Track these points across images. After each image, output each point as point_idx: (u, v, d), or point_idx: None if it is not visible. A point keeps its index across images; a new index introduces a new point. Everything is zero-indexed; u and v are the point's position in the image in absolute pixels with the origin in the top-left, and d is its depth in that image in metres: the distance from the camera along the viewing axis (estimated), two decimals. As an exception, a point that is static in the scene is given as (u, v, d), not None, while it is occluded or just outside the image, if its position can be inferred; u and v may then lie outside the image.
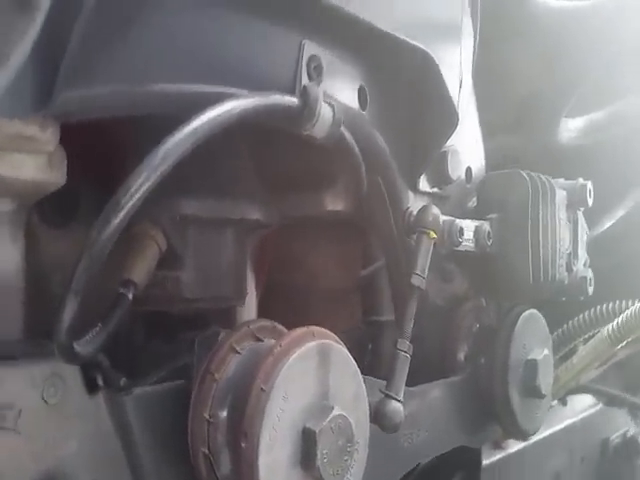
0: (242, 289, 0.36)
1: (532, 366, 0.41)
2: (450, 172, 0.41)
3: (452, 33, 0.37)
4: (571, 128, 0.67)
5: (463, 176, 0.45)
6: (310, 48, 0.29)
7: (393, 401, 0.31)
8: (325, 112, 0.28)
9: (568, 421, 0.77)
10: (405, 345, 0.34)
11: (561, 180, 0.53)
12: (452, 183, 0.42)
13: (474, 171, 0.46)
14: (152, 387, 0.29)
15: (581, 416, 0.82)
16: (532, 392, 0.42)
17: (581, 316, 0.58)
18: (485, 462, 0.59)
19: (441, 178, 0.41)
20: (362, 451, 0.30)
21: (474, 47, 0.48)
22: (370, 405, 0.30)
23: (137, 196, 0.23)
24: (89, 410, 0.27)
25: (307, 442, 0.28)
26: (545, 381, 0.42)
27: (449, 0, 0.38)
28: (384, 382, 0.34)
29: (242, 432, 0.27)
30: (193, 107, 0.26)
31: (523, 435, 0.46)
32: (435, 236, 0.34)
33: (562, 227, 0.45)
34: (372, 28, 0.31)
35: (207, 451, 0.29)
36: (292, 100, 0.28)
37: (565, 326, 0.57)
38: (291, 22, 0.28)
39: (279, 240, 0.42)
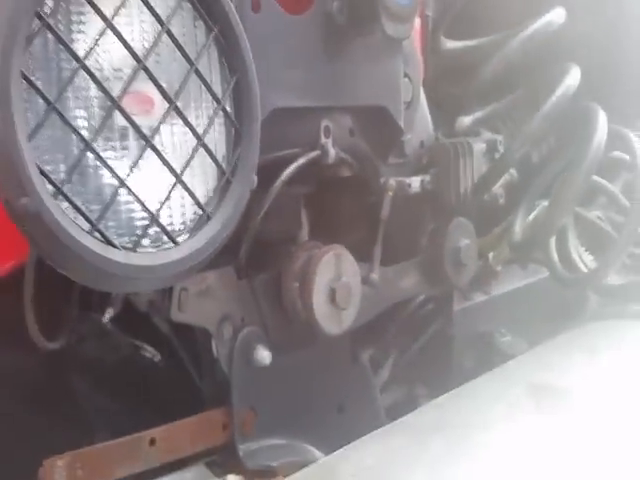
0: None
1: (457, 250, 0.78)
2: (406, 150, 0.76)
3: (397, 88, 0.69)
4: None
5: (417, 148, 0.79)
6: (325, 121, 0.64)
7: (371, 274, 0.70)
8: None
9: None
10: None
11: (486, 135, 0.85)
12: (408, 156, 0.76)
13: (425, 141, 0.80)
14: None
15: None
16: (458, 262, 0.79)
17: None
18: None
19: (401, 154, 0.76)
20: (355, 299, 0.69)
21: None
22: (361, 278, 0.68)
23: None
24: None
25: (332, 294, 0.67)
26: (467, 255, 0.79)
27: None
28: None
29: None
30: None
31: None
32: (391, 193, 0.70)
33: (477, 169, 0.79)
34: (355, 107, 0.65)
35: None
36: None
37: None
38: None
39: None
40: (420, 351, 0.96)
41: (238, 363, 0.69)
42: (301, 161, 0.61)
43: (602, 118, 0.78)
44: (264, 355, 0.70)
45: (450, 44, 0.73)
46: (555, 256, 0.95)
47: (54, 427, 0.74)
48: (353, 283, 0.67)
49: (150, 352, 0.76)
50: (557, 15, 0.71)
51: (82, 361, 0.79)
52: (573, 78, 0.75)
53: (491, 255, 0.92)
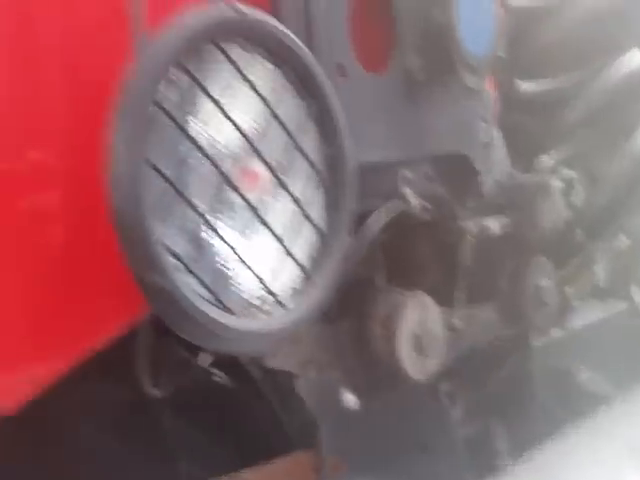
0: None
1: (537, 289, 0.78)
2: (484, 191, 0.76)
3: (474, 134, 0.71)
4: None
5: (495, 188, 0.79)
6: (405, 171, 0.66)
7: (454, 320, 0.71)
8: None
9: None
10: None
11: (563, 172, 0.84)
12: (485, 196, 0.77)
13: (502, 181, 0.80)
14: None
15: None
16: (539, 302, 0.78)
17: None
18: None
19: (479, 195, 0.76)
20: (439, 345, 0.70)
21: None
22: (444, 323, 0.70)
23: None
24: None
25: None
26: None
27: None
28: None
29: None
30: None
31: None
32: (471, 237, 0.71)
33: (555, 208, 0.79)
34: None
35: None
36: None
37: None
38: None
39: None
40: (497, 387, 0.95)
41: (325, 407, 0.71)
42: (384, 211, 0.63)
43: None
44: (351, 399, 0.71)
45: (525, 86, 0.74)
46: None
47: (141, 460, 0.78)
48: (437, 330, 0.68)
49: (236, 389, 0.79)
50: (635, 56, 0.70)
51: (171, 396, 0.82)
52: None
53: (570, 290, 0.91)
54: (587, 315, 1.02)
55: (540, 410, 0.94)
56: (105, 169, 0.42)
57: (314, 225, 0.49)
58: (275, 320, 0.47)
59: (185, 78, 0.43)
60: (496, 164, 0.77)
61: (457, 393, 0.89)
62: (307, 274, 0.49)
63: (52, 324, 0.49)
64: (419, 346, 0.67)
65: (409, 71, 0.62)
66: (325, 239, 0.50)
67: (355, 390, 0.72)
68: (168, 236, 0.43)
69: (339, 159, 0.50)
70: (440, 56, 0.61)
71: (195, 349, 0.68)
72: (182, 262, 0.43)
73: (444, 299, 0.71)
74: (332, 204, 0.50)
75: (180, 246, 0.44)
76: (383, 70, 0.61)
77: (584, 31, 0.67)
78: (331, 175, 0.50)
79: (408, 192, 0.66)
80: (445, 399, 0.83)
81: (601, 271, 0.94)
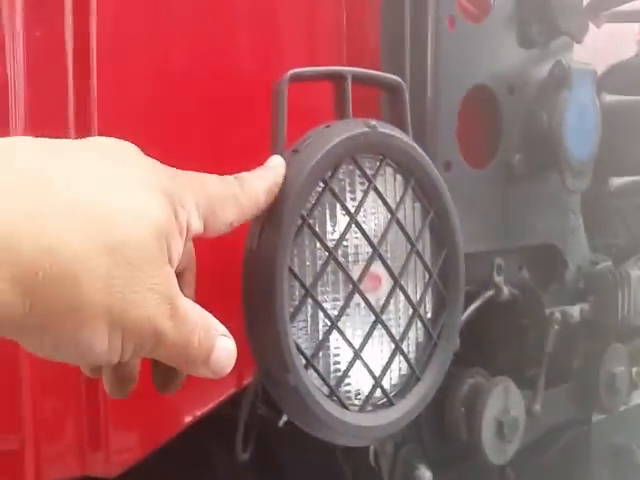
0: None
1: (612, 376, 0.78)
2: (566, 277, 0.78)
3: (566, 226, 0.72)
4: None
5: (575, 273, 0.80)
6: (498, 260, 0.68)
7: (535, 406, 0.72)
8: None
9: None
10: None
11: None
12: (567, 282, 0.78)
13: (581, 266, 0.81)
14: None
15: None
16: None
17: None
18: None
19: (561, 281, 0.78)
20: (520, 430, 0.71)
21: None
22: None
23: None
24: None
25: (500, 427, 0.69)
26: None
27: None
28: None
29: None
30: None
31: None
32: (557, 326, 0.72)
33: (634, 296, 0.79)
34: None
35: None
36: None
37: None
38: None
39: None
40: (553, 461, 0.94)
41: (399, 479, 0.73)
42: (479, 301, 0.65)
43: None
44: (426, 475, 0.72)
45: (616, 180, 0.75)
46: None
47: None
48: (519, 415, 0.69)
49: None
50: None
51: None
52: None
53: (635, 370, 0.91)
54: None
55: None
56: (243, 269, 0.45)
57: (425, 326, 0.51)
58: (384, 416, 0.49)
59: (322, 189, 0.45)
60: (578, 249, 0.78)
61: (520, 469, 0.89)
62: (415, 372, 0.51)
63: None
64: (501, 432, 0.68)
65: (510, 165, 0.64)
66: (434, 339, 0.52)
67: (430, 465, 0.73)
68: (297, 335, 0.46)
69: (452, 261, 0.52)
70: (545, 158, 0.63)
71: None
72: (312, 364, 0.45)
73: (525, 383, 0.72)
74: (441, 305, 0.52)
75: (306, 344, 0.46)
76: (485, 165, 0.64)
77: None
78: (442, 276, 0.52)
79: (500, 280, 0.68)
80: (512, 475, 0.83)
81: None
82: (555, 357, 0.76)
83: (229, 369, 0.36)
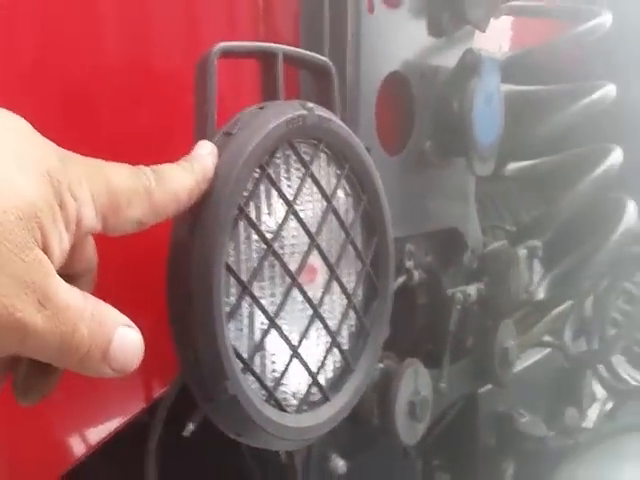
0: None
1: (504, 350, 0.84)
2: (464, 260, 0.81)
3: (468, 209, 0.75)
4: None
5: (470, 255, 0.85)
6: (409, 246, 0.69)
7: (441, 384, 0.75)
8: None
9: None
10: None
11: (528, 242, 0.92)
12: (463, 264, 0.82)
13: (474, 248, 0.86)
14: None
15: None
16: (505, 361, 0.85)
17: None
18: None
19: (459, 263, 0.81)
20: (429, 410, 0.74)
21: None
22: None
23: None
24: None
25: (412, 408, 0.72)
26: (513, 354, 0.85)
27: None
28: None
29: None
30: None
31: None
32: (459, 306, 0.76)
33: (522, 274, 0.86)
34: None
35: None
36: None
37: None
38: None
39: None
40: (446, 430, 1.00)
41: (314, 473, 0.71)
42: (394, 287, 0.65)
43: (632, 213, 0.85)
44: (339, 465, 0.72)
45: (510, 166, 0.80)
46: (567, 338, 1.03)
47: None
48: (428, 395, 0.71)
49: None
50: (610, 91, 0.76)
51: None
52: (614, 161, 0.80)
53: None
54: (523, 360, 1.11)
55: (482, 453, 1.01)
56: (169, 267, 0.40)
57: (359, 317, 0.50)
58: (322, 413, 0.47)
59: (259, 176, 0.42)
60: (473, 234, 0.82)
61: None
62: (350, 365, 0.49)
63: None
64: (413, 413, 0.69)
65: (423, 154, 0.65)
66: (367, 329, 0.50)
67: (342, 454, 0.72)
68: (234, 338, 0.42)
69: (382, 249, 0.51)
70: (453, 144, 0.64)
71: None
72: (249, 367, 0.41)
73: (432, 363, 0.74)
74: (374, 294, 0.51)
75: (242, 347, 0.43)
76: (400, 152, 0.64)
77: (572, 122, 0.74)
78: (374, 266, 0.51)
79: (411, 265, 0.69)
80: (415, 456, 0.86)
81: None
82: (455, 335, 0.79)
83: (135, 364, 0.32)
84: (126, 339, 0.31)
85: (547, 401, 1.14)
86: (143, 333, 0.41)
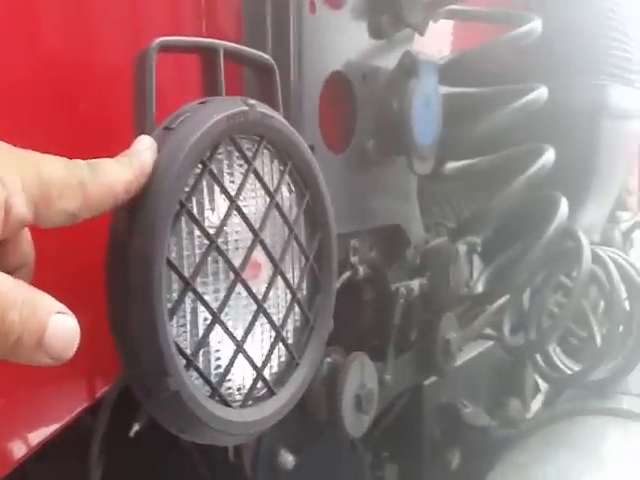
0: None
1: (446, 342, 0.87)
2: (407, 255, 0.84)
3: (410, 206, 0.78)
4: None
5: (412, 251, 0.87)
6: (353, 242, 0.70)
7: (385, 376, 0.76)
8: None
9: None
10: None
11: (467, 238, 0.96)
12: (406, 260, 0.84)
13: (416, 244, 0.89)
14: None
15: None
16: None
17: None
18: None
19: (402, 259, 0.83)
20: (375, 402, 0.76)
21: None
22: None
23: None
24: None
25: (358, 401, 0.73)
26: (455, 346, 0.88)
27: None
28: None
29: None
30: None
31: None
32: (402, 300, 0.78)
33: (461, 269, 0.89)
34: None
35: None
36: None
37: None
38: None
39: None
40: (391, 423, 1.02)
41: (262, 469, 0.72)
42: (339, 283, 0.66)
43: (564, 210, 0.89)
44: (288, 459, 0.73)
45: (449, 165, 0.82)
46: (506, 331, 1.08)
47: None
48: (374, 387, 0.72)
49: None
50: (541, 93, 0.80)
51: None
52: (547, 160, 0.85)
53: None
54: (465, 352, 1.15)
55: (428, 443, 1.04)
56: (108, 262, 0.40)
57: (303, 310, 0.51)
58: (267, 407, 0.48)
59: (201, 171, 0.42)
60: (415, 230, 0.85)
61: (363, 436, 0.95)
62: (295, 359, 0.50)
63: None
64: (359, 405, 0.71)
65: (365, 152, 0.66)
66: (311, 323, 0.51)
67: (292, 449, 0.73)
68: (177, 334, 0.42)
69: (325, 244, 0.52)
70: (394, 143, 0.66)
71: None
72: (192, 363, 0.41)
73: (377, 356, 0.76)
74: (318, 289, 0.52)
75: (184, 342, 0.42)
76: (343, 150, 0.65)
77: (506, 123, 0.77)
78: (318, 261, 0.52)
79: (356, 261, 0.70)
80: (361, 447, 0.88)
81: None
82: (399, 329, 0.82)
83: (71, 351, 0.32)
84: (61, 325, 0.31)
85: (490, 392, 1.18)
86: (83, 329, 0.40)
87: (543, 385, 1.35)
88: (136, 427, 0.64)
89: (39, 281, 0.40)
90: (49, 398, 0.49)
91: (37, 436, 0.47)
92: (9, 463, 0.46)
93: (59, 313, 0.31)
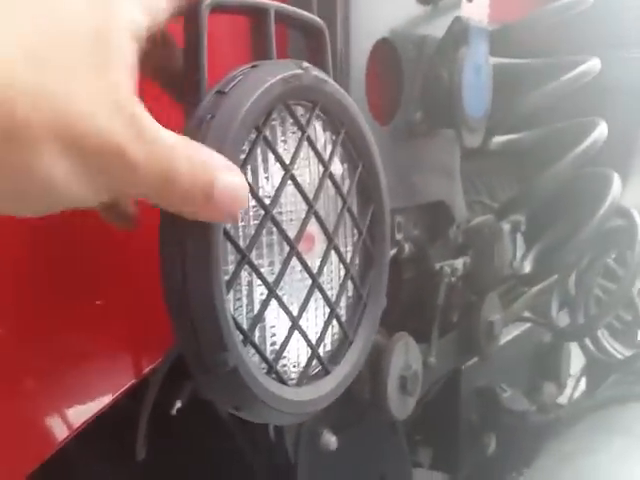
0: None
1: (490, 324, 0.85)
2: (450, 234, 0.81)
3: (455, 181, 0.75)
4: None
5: (454, 229, 0.84)
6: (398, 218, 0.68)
7: (430, 358, 0.74)
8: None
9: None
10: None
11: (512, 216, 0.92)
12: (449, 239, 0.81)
13: (459, 223, 0.86)
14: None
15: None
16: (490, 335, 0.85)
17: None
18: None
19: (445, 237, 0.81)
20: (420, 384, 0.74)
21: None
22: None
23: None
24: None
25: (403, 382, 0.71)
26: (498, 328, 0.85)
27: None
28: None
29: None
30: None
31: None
32: (447, 280, 0.75)
33: (505, 248, 0.86)
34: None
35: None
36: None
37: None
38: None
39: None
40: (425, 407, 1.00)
41: (304, 450, 0.70)
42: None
43: (617, 188, 0.85)
44: (331, 440, 0.71)
45: (495, 140, 0.79)
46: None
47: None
48: (418, 369, 0.70)
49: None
50: (594, 65, 0.75)
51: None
52: (600, 135, 0.80)
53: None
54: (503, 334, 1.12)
55: (464, 427, 1.02)
56: (163, 233, 0.38)
57: (356, 287, 0.49)
58: (322, 386, 0.46)
59: (255, 138, 0.40)
60: (459, 207, 0.82)
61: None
62: (348, 337, 0.48)
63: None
64: (404, 387, 0.69)
65: (412, 124, 0.64)
66: (364, 300, 0.49)
67: (334, 429, 0.72)
68: (233, 308, 0.40)
69: (378, 217, 0.50)
70: (442, 115, 0.63)
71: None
72: (249, 338, 0.40)
73: (419, 337, 0.74)
74: (368, 263, 0.50)
75: (240, 317, 0.41)
76: (389, 122, 0.62)
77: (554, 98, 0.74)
78: (370, 236, 0.49)
79: (401, 238, 0.68)
80: (402, 430, 0.86)
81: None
82: (443, 309, 0.79)
83: (242, 206, 0.32)
84: (230, 180, 0.31)
85: (527, 376, 1.15)
86: (129, 304, 0.39)
87: (575, 369, 1.32)
88: (178, 404, 0.63)
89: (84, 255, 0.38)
90: (95, 375, 0.48)
91: (82, 415, 0.46)
92: (53, 443, 0.45)
93: (226, 168, 0.31)
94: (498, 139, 0.78)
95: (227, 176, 0.30)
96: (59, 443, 0.44)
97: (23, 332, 0.40)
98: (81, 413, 0.46)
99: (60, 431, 0.45)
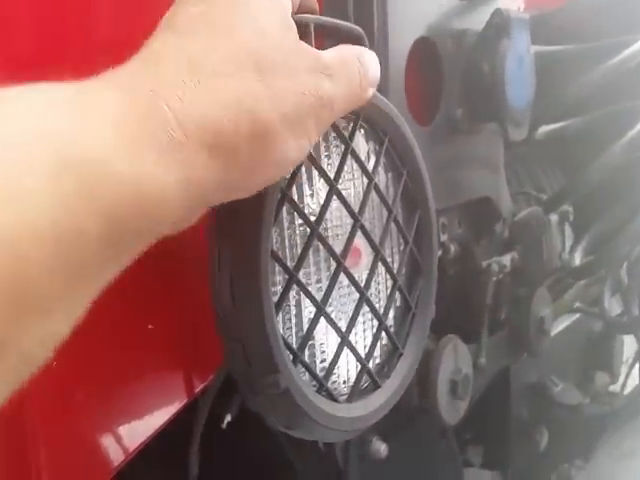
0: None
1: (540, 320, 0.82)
2: (496, 229, 0.78)
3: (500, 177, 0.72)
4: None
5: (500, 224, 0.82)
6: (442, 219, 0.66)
7: (480, 360, 0.73)
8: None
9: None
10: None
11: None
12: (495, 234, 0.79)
13: (505, 217, 0.83)
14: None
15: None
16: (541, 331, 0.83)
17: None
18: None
19: (491, 233, 0.79)
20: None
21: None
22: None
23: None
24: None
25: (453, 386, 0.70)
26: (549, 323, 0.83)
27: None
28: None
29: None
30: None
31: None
32: (495, 278, 0.73)
33: (554, 240, 0.83)
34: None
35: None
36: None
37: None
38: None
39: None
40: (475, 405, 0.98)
41: (354, 458, 0.70)
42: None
43: None
44: (381, 448, 0.70)
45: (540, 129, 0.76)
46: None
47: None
48: (469, 372, 0.69)
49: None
50: None
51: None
52: None
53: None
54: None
55: (515, 424, 0.99)
56: (212, 256, 0.38)
57: (405, 297, 0.47)
58: (372, 401, 0.45)
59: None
60: (505, 202, 0.79)
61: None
62: (398, 349, 0.47)
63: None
64: (454, 391, 0.67)
65: (453, 121, 0.62)
66: (413, 310, 0.48)
67: (383, 437, 0.71)
68: (283, 328, 0.40)
69: (425, 224, 0.48)
70: (485, 109, 0.61)
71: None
72: (299, 357, 0.39)
73: (467, 338, 0.72)
74: (418, 273, 0.49)
75: (290, 337, 0.40)
76: (430, 122, 0.61)
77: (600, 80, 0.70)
78: (417, 243, 0.48)
79: (446, 239, 0.66)
80: (452, 434, 0.84)
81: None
82: (491, 307, 0.77)
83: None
84: (370, 57, 0.37)
85: (578, 368, 1.12)
86: (181, 324, 0.38)
87: (626, 355, 1.27)
88: (228, 418, 0.64)
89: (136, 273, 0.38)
90: (149, 398, 0.48)
91: (137, 438, 0.46)
92: (110, 468, 0.45)
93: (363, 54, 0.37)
94: (542, 128, 0.75)
95: (369, 58, 0.37)
96: (116, 467, 0.44)
97: (79, 358, 0.40)
98: (136, 436, 0.46)
99: (116, 455, 0.45)
